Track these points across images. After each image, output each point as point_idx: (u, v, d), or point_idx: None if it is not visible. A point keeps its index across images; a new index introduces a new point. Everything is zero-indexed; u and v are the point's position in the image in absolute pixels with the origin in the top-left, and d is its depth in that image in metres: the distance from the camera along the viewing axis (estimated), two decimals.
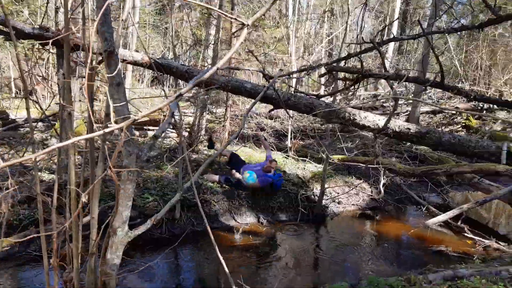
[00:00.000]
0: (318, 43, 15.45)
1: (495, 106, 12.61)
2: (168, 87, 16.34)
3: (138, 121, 9.51)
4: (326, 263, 4.82)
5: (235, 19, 2.07)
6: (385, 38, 16.02)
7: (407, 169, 7.78)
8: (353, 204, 7.04)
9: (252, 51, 4.15)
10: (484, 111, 12.42)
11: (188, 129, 8.97)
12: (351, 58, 14.44)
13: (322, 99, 5.28)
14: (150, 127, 9.63)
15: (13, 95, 11.76)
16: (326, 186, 6.57)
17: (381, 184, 7.30)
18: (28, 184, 4.87)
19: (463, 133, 11.90)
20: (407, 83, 14.46)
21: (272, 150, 9.30)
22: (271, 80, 3.60)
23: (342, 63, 5.23)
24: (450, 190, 8.07)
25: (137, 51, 7.23)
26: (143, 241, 4.79)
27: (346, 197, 7.05)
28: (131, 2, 12.67)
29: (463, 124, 12.57)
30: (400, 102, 13.64)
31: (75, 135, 2.97)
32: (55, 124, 6.11)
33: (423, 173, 7.60)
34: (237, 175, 6.14)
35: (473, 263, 4.41)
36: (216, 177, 6.43)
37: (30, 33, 4.48)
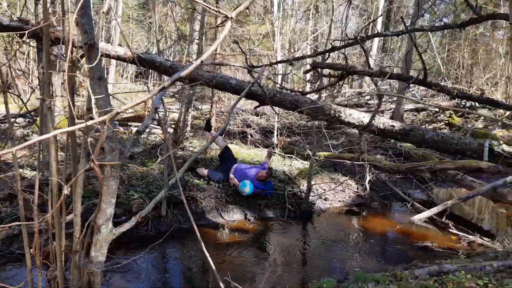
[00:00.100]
0: (303, 40, 15.45)
1: (477, 104, 12.81)
2: (152, 82, 16.17)
3: (122, 116, 9.38)
4: (313, 259, 4.82)
5: (218, 11, 2.03)
6: (369, 34, 16.13)
7: (392, 166, 7.84)
8: (339, 201, 7.06)
9: (237, 42, 4.10)
10: (467, 109, 12.61)
11: (173, 126, 8.88)
12: (337, 56, 14.50)
13: (308, 96, 5.26)
14: (134, 123, 9.50)
15: None
16: (312, 183, 6.57)
17: (367, 180, 7.34)
18: (9, 181, 4.74)
19: (446, 130, 12.06)
20: (391, 81, 14.62)
21: (258, 147, 9.29)
22: (256, 75, 3.56)
23: (326, 56, 5.22)
24: (434, 187, 8.16)
25: (120, 45, 7.11)
26: (128, 239, 4.72)
27: (332, 193, 7.07)
28: None
29: (446, 121, 12.75)
30: (384, 99, 13.76)
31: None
32: (36, 119, 5.97)
33: (407, 170, 7.68)
34: (235, 181, 6.08)
35: (458, 258, 4.45)
36: (205, 171, 6.39)
37: (8, 26, 4.34)
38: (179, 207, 5.47)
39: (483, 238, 5.36)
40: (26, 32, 3.26)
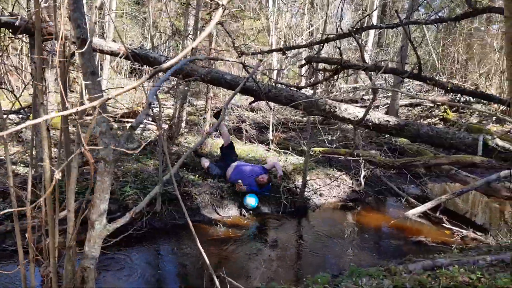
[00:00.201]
0: (299, 35, 15.42)
1: (471, 99, 12.86)
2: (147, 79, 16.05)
3: (117, 112, 9.32)
4: (309, 254, 4.83)
5: None
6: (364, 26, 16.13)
7: (387, 161, 7.87)
8: (334, 196, 7.08)
9: (222, 24, 4.10)
10: (461, 104, 12.66)
11: (168, 122, 8.85)
12: (332, 52, 14.44)
13: (303, 90, 5.25)
14: (130, 120, 9.46)
15: None
16: (307, 178, 6.58)
17: (362, 176, 7.36)
18: (1, 178, 4.71)
19: (440, 125, 12.10)
20: (386, 76, 14.64)
21: (253, 142, 9.28)
22: (251, 70, 3.55)
23: (322, 52, 5.22)
24: (429, 182, 8.21)
25: (114, 41, 7.06)
26: (122, 235, 4.69)
27: (327, 189, 7.09)
28: None
29: (441, 117, 12.80)
30: (379, 94, 13.78)
31: (50, 127, 2.86)
32: (29, 115, 5.92)
33: (402, 165, 7.72)
34: (242, 187, 6.00)
35: (451, 252, 4.48)
36: (206, 164, 6.38)
37: (0, 21, 4.29)
38: (174, 203, 5.46)
39: (477, 232, 5.40)
40: (18, 27, 3.22)
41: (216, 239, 5.03)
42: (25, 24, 4.08)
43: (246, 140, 9.53)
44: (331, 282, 3.29)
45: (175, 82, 8.03)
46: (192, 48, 1.88)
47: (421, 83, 15.11)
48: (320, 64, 5.25)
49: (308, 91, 7.62)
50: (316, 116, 7.60)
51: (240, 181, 6.00)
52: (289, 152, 8.41)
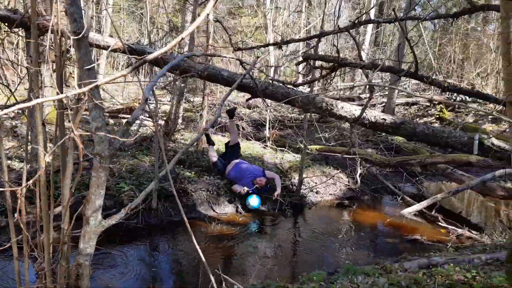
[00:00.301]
0: (296, 33, 15.40)
1: (467, 98, 12.91)
2: (144, 74, 16.04)
3: (113, 108, 9.28)
4: (304, 252, 4.84)
5: None
6: (361, 29, 16.15)
7: (383, 160, 7.89)
8: (330, 194, 7.09)
9: (220, 21, 4.09)
10: (458, 102, 12.70)
11: (164, 118, 8.82)
12: (329, 50, 14.43)
13: (300, 88, 5.25)
14: (126, 115, 9.43)
15: None
16: (304, 176, 6.58)
17: (358, 174, 7.37)
18: None
19: (437, 124, 12.14)
20: (382, 75, 14.68)
21: (250, 140, 9.27)
22: (248, 67, 3.54)
23: (319, 51, 5.20)
24: (425, 180, 8.23)
25: (111, 36, 7.02)
26: (118, 231, 4.69)
27: (323, 187, 7.09)
28: None
29: (437, 116, 12.84)
30: (376, 93, 13.80)
31: (46, 122, 2.84)
32: (25, 111, 5.88)
33: (398, 164, 7.73)
34: (241, 190, 5.95)
35: (447, 251, 4.50)
36: (214, 158, 6.35)
37: None
38: (170, 199, 5.45)
39: (472, 231, 5.42)
40: (14, 21, 3.19)
41: (212, 236, 5.02)
42: (21, 18, 4.04)
43: (243, 137, 9.52)
44: (327, 280, 3.29)
45: (172, 78, 7.99)
46: (182, 39, 1.87)
47: (417, 82, 15.18)
48: (317, 61, 5.24)
49: (305, 89, 7.63)
50: (312, 114, 7.60)
51: (245, 188, 5.92)
52: (285, 149, 8.41)
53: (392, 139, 9.53)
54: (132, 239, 4.70)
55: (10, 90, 3.01)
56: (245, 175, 6.08)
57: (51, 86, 5.49)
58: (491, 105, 12.66)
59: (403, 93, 13.73)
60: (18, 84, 3.48)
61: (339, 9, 4.36)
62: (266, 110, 9.70)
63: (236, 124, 9.59)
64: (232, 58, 3.77)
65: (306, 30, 15.90)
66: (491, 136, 4.20)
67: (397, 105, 13.46)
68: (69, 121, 3.32)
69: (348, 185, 7.41)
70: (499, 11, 2.90)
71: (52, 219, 2.47)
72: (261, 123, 10.16)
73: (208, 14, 6.55)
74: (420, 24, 11.43)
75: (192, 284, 3.80)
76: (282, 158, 7.87)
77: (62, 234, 2.36)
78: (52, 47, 2.56)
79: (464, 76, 16.52)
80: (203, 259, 2.04)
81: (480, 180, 6.23)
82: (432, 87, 14.98)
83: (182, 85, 7.75)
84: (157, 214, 5.28)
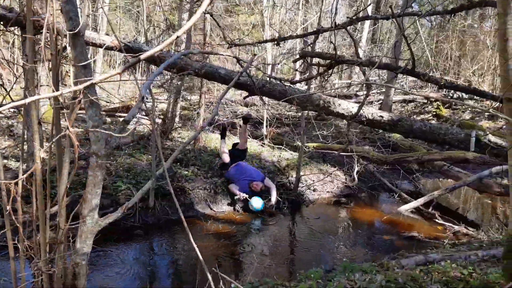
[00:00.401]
0: (293, 31, 15.38)
1: (464, 96, 12.94)
2: (141, 73, 15.99)
3: (110, 107, 9.25)
4: (302, 250, 4.84)
5: None
6: (358, 26, 16.15)
7: (380, 157, 7.90)
8: (328, 192, 7.10)
9: (211, 14, 4.08)
10: (455, 100, 12.73)
11: (161, 116, 8.81)
12: (326, 48, 14.40)
13: (297, 85, 5.24)
14: (122, 114, 9.40)
15: None
16: (301, 173, 6.59)
17: (355, 171, 7.38)
18: None
19: (434, 121, 12.17)
20: (379, 72, 14.69)
21: (248, 138, 9.27)
22: (245, 65, 3.53)
23: (316, 49, 5.20)
24: (422, 177, 8.26)
25: (107, 34, 6.99)
26: (114, 230, 4.69)
27: (321, 184, 7.10)
28: None
29: (434, 113, 12.87)
30: (373, 90, 13.82)
31: (42, 121, 2.83)
32: (21, 109, 5.86)
33: (395, 161, 7.75)
34: (240, 197, 5.89)
35: (443, 248, 4.51)
36: (227, 160, 6.28)
37: None
38: (167, 198, 5.44)
39: (468, 228, 5.43)
40: (9, 19, 3.17)
41: (209, 234, 5.02)
42: (16, 16, 4.02)
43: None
44: (324, 278, 3.29)
45: (168, 76, 7.97)
46: (177, 37, 1.86)
47: (414, 79, 15.21)
48: (314, 59, 5.24)
49: (302, 86, 7.62)
50: (310, 112, 7.61)
51: (243, 194, 5.86)
52: (283, 147, 8.41)
53: (389, 137, 9.55)
54: (129, 238, 4.69)
55: (6, 89, 3.00)
56: (243, 176, 6.05)
57: (47, 85, 5.46)
58: (488, 102, 12.70)
59: (400, 90, 13.77)
60: (14, 83, 3.46)
61: (336, 6, 4.35)
62: (264, 107, 9.69)
63: (234, 123, 9.60)
64: (229, 56, 3.77)
65: (303, 27, 15.89)
66: (488, 133, 4.22)
67: (394, 102, 13.48)
68: (66, 120, 3.31)
69: (346, 183, 7.42)
70: (496, 8, 2.90)
71: (48, 219, 2.46)
72: (258, 121, 10.16)
73: (204, 12, 6.54)
74: (417, 21, 11.44)
75: (190, 283, 3.80)
76: (280, 156, 7.87)
77: (59, 234, 2.35)
78: (48, 46, 2.55)
79: (461, 73, 16.54)
80: (201, 257, 2.04)
81: (477, 177, 6.24)
82: (429, 84, 15.01)
83: (179, 83, 7.74)
84: (154, 213, 5.27)
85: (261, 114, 9.97)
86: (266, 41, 5.90)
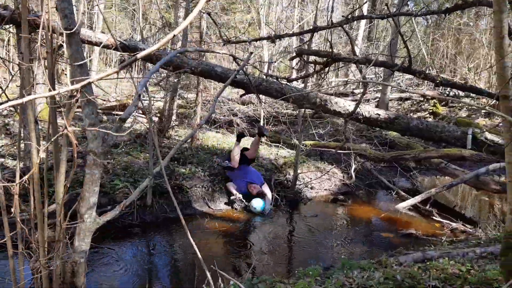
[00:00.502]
0: (289, 29, 15.37)
1: (460, 93, 12.98)
2: (137, 71, 15.94)
3: (106, 105, 9.22)
4: (300, 247, 4.85)
5: None
6: (354, 24, 16.16)
7: (377, 155, 7.92)
8: (325, 189, 7.11)
9: (209, 13, 4.06)
10: (451, 97, 12.76)
11: (158, 115, 8.78)
12: (323, 46, 14.42)
13: (294, 83, 5.24)
14: (119, 112, 9.36)
15: None
16: (299, 171, 6.59)
17: (352, 169, 7.39)
18: None
19: (430, 119, 12.19)
20: (376, 70, 14.69)
21: (244, 136, 9.26)
22: (241, 63, 3.52)
23: (313, 47, 5.20)
24: (419, 175, 8.27)
25: (103, 32, 6.97)
26: (112, 229, 4.68)
27: (318, 182, 7.10)
28: None
29: (431, 110, 12.89)
30: (369, 88, 13.84)
31: (38, 119, 2.81)
32: (18, 108, 5.83)
33: (392, 158, 7.76)
34: (237, 198, 5.87)
35: (441, 245, 4.52)
36: (236, 163, 6.11)
37: None
38: (165, 196, 5.44)
39: (466, 225, 5.46)
40: (4, 17, 3.15)
41: (208, 232, 5.01)
42: (11, 14, 4.00)
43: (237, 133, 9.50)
44: (323, 275, 3.30)
45: (165, 74, 7.94)
46: (174, 36, 1.86)
47: (411, 77, 15.22)
48: (311, 57, 5.24)
49: (299, 84, 7.63)
50: (307, 110, 7.61)
51: (239, 195, 5.84)
52: (280, 145, 8.41)
53: (386, 134, 9.57)
54: (127, 236, 4.68)
55: (1, 88, 2.98)
56: (244, 177, 6.03)
57: (43, 83, 5.43)
58: (484, 100, 12.74)
59: (396, 88, 13.80)
60: (10, 81, 3.44)
61: (333, 4, 4.36)
62: (260, 105, 9.68)
63: (231, 120, 9.59)
64: (226, 54, 3.76)
65: (300, 25, 15.88)
66: (484, 130, 4.24)
67: (390, 100, 13.50)
68: (62, 118, 3.30)
69: (343, 180, 7.43)
70: (491, 7, 2.90)
71: (46, 217, 2.45)
72: (255, 119, 10.15)
73: (202, 12, 6.53)
74: (413, 19, 11.46)
75: (188, 281, 3.79)
76: (277, 154, 7.88)
77: (57, 232, 2.34)
78: (43, 44, 2.53)
79: (457, 71, 16.59)
80: (199, 255, 2.04)
81: (474, 174, 6.27)
82: (426, 82, 15.05)
83: (176, 81, 7.72)
84: (152, 211, 5.27)
85: (258, 112, 9.97)
86: (262, 39, 5.88)
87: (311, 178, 7.08)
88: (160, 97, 9.92)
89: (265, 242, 4.93)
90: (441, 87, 13.31)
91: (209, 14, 4.53)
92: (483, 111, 12.23)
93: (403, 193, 6.77)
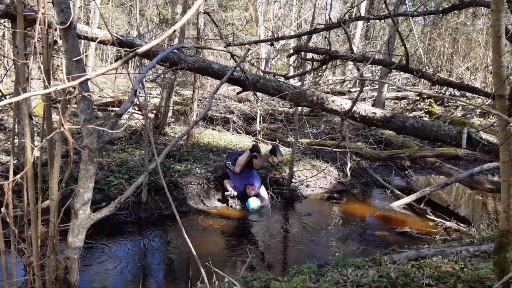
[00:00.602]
0: (287, 26, 15.36)
1: (456, 92, 13.02)
2: (134, 67, 15.89)
3: (102, 101, 9.18)
4: (295, 245, 4.85)
5: None
6: (352, 23, 16.15)
7: (372, 153, 7.93)
8: (321, 187, 7.12)
9: (209, 14, 4.04)
10: (447, 96, 12.81)
11: (154, 111, 8.76)
12: (320, 43, 14.41)
13: (291, 81, 5.24)
14: (115, 108, 9.33)
15: None
16: (294, 169, 6.59)
17: (348, 167, 7.40)
18: None
19: (426, 118, 12.23)
20: (373, 69, 14.71)
21: (240, 133, 9.26)
22: (238, 60, 3.51)
23: (310, 44, 5.20)
24: (414, 174, 8.30)
25: (99, 28, 6.93)
26: (107, 225, 4.67)
27: (314, 180, 7.11)
28: None
29: (426, 110, 12.93)
30: (366, 87, 13.85)
31: (33, 115, 2.80)
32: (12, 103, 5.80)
33: (388, 157, 7.78)
34: (228, 187, 5.87)
35: (435, 243, 4.54)
36: (240, 169, 5.94)
37: None
38: (160, 193, 5.43)
39: (460, 224, 5.48)
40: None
41: (202, 229, 5.01)
42: (6, 7, 3.97)
43: (234, 130, 9.51)
44: (317, 272, 3.30)
45: (161, 70, 7.92)
46: (174, 31, 1.85)
47: (407, 76, 15.26)
48: (308, 54, 5.23)
49: (296, 82, 7.63)
50: (303, 108, 7.61)
51: (234, 193, 5.83)
52: (276, 143, 8.41)
53: (382, 133, 9.58)
54: (122, 233, 4.68)
55: None
56: (246, 178, 6.00)
57: (39, 78, 5.40)
58: (480, 100, 12.80)
59: (393, 87, 13.80)
60: (4, 76, 3.42)
61: (331, 2, 4.35)
62: (257, 102, 9.67)
63: (227, 118, 9.59)
64: (223, 50, 3.75)
65: (297, 23, 15.87)
66: (479, 130, 4.25)
67: (387, 99, 13.51)
68: (57, 114, 3.28)
69: (338, 179, 7.44)
70: (488, 7, 2.90)
71: (40, 213, 2.44)
72: (252, 117, 10.14)
73: (202, 12, 6.50)
74: (410, 19, 11.47)
75: (183, 278, 3.79)
76: None
77: (51, 228, 2.33)
78: (40, 39, 2.51)
79: (454, 70, 16.64)
80: (194, 252, 2.04)
81: (468, 173, 6.29)
82: (422, 81, 15.10)
83: (172, 77, 7.69)
84: (147, 208, 5.26)
85: (254, 110, 9.96)
86: (261, 41, 5.87)
87: (306, 176, 7.09)
88: (157, 93, 9.90)
89: (260, 239, 4.94)
90: (437, 86, 13.36)
91: (208, 14, 4.52)
92: (478, 111, 12.29)
93: (398, 192, 6.79)
